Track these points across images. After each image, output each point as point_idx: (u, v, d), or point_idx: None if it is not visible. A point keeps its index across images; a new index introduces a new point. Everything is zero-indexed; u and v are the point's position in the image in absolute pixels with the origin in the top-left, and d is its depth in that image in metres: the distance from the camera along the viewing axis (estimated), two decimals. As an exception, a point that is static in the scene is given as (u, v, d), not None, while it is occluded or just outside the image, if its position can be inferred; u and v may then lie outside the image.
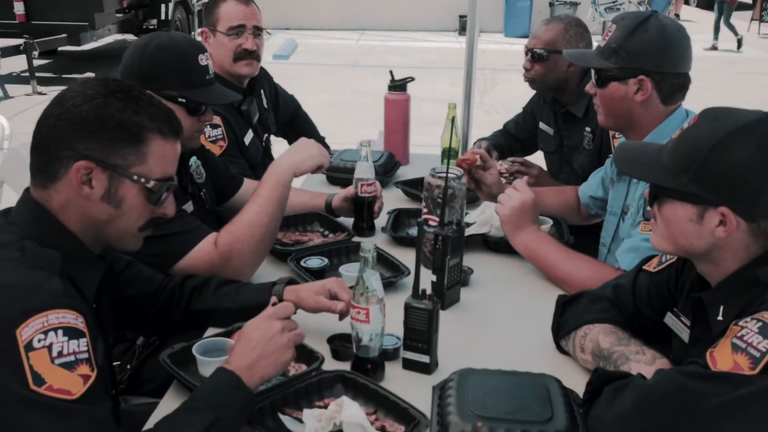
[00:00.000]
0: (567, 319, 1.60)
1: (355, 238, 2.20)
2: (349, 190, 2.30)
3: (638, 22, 1.95)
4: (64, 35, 9.50)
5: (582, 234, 2.60)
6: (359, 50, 12.79)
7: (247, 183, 2.42)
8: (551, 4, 14.01)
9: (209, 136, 2.58)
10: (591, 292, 1.62)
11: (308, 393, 1.43)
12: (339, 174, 2.77)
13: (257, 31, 2.74)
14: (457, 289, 1.87)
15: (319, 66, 11.22)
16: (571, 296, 1.64)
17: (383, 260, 2.04)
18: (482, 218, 2.22)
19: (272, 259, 2.09)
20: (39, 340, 1.16)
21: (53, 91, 9.50)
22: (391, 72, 2.98)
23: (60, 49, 10.47)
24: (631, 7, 13.66)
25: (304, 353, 1.51)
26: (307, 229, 2.33)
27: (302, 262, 1.99)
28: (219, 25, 2.69)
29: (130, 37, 11.90)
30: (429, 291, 1.53)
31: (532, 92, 2.92)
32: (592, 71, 2.06)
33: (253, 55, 2.74)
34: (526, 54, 2.80)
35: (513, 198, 2.07)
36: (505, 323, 1.83)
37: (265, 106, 3.00)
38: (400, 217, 2.40)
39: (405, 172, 2.93)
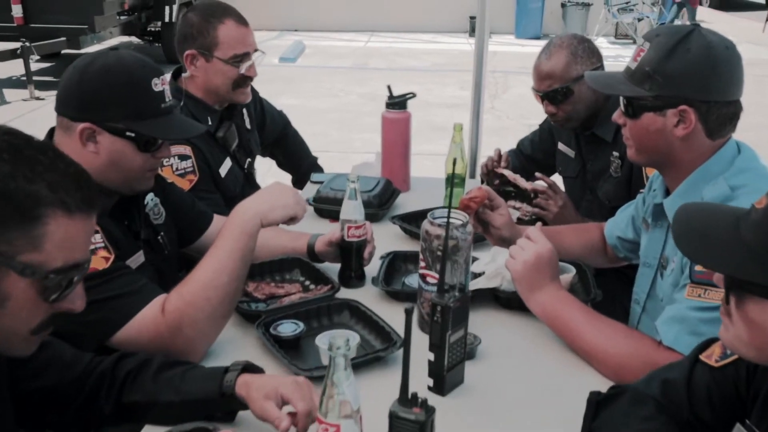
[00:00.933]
0: (601, 425, 1.23)
1: (340, 294, 1.84)
2: (335, 233, 1.95)
3: (677, 40, 1.57)
4: (63, 39, 9.23)
5: (609, 275, 2.25)
6: (368, 52, 12.42)
7: (218, 220, 2.08)
8: (563, 5, 13.61)
9: (177, 169, 2.24)
10: (633, 390, 1.26)
11: None
12: (328, 206, 2.41)
13: (254, 53, 2.42)
14: (461, 369, 1.51)
15: (326, 69, 10.86)
16: (607, 394, 1.27)
17: (371, 325, 1.68)
18: (492, 268, 1.86)
19: (239, 320, 1.74)
20: None
21: (53, 96, 9.26)
22: (389, 87, 2.62)
23: (63, 52, 10.21)
24: (645, 8, 13.21)
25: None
26: (285, 279, 1.97)
27: (272, 329, 1.64)
28: (218, 50, 2.32)
29: (134, 39, 11.63)
30: (421, 394, 1.17)
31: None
32: (621, 98, 1.70)
33: (251, 80, 2.42)
34: (543, 100, 2.43)
35: (526, 250, 1.71)
36: (520, 411, 1.47)
37: (248, 126, 2.64)
38: (395, 263, 2.04)
39: (405, 201, 2.58)
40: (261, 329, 1.63)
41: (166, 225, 1.91)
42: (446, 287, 1.43)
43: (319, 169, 3.05)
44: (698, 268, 1.48)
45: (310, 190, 2.69)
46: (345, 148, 6.81)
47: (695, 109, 1.57)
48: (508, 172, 2.48)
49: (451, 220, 1.52)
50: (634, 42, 12.84)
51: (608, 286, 2.03)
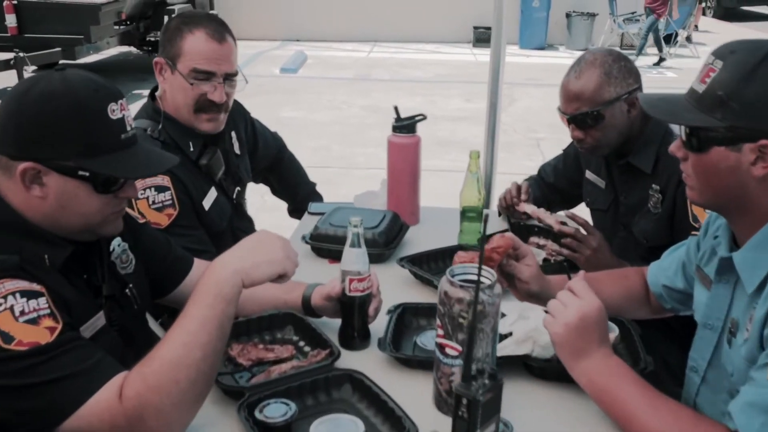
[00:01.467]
0: None
1: (340, 362, 1.55)
2: (334, 286, 1.66)
3: (760, 58, 1.26)
4: (58, 49, 9.00)
5: (649, 326, 1.95)
6: (370, 63, 12.15)
7: (199, 266, 1.79)
8: (568, 15, 13.37)
9: (153, 203, 1.95)
10: None
11: None
12: (327, 244, 2.13)
13: (229, 76, 2.07)
14: (490, 470, 1.22)
15: (328, 80, 10.60)
16: None
17: (378, 405, 1.38)
18: (522, 329, 1.57)
19: (218, 396, 1.45)
20: None
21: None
22: (395, 108, 2.33)
23: (61, 62, 9.97)
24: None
25: None
26: (276, 338, 1.68)
27: (258, 411, 1.34)
28: (180, 61, 2.02)
29: (133, 50, 11.39)
30: None
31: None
32: (682, 127, 1.40)
33: (221, 108, 2.08)
34: (569, 123, 2.11)
35: (569, 308, 1.41)
36: None
37: (237, 151, 2.35)
38: (404, 317, 1.75)
39: (414, 237, 2.29)
40: (244, 413, 1.34)
41: (136, 275, 1.62)
42: (473, 373, 1.14)
43: (318, 197, 2.76)
44: None
45: (307, 223, 2.41)
46: (347, 164, 6.53)
47: None
48: (530, 208, 2.20)
49: (473, 278, 1.23)
50: (640, 52, 12.59)
51: (649, 339, 1.75)
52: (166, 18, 10.36)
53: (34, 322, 1.23)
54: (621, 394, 1.36)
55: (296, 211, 2.74)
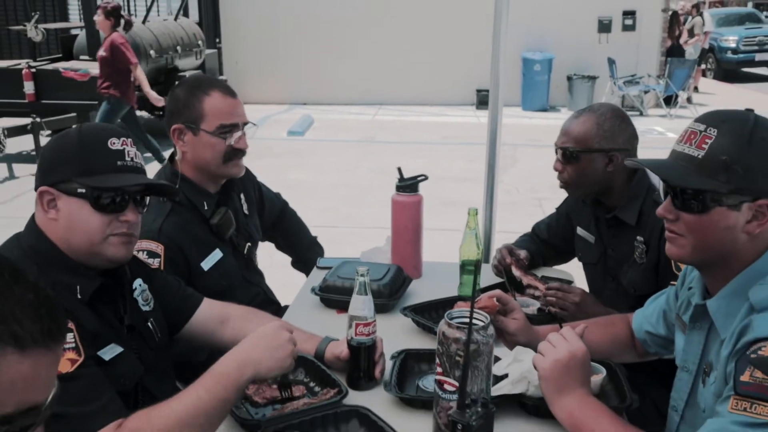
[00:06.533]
0: None
1: (349, 398, 1.69)
2: (344, 350, 1.81)
3: (751, 126, 1.43)
4: (73, 114, 9.32)
5: (637, 370, 2.08)
6: (376, 125, 12.45)
7: (208, 305, 1.96)
8: (569, 78, 13.70)
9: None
10: None
11: None
12: (335, 296, 2.28)
13: (245, 124, 2.32)
14: (484, 495, 1.35)
15: (334, 143, 10.87)
16: None
17: (382, 437, 1.52)
18: (517, 370, 1.70)
19: (235, 429, 1.59)
20: None
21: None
22: (399, 169, 2.52)
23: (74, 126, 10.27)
24: (651, 81, 13.32)
25: None
26: (289, 379, 1.82)
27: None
28: (204, 122, 2.24)
29: (145, 114, 11.71)
30: None
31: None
32: (673, 190, 1.50)
33: (244, 153, 2.33)
34: (556, 152, 2.34)
35: (558, 349, 1.56)
36: None
37: (246, 212, 2.54)
38: (407, 363, 1.89)
39: (416, 289, 2.44)
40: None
41: (155, 312, 1.80)
42: (467, 401, 1.28)
43: (320, 248, 2.93)
44: (744, 378, 1.33)
45: (316, 276, 2.57)
46: (353, 224, 6.70)
47: None
48: (527, 278, 2.38)
49: (469, 320, 1.38)
50: (641, 114, 12.88)
51: (637, 382, 1.89)
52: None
53: None
54: (597, 428, 1.49)
55: (299, 261, 2.91)
